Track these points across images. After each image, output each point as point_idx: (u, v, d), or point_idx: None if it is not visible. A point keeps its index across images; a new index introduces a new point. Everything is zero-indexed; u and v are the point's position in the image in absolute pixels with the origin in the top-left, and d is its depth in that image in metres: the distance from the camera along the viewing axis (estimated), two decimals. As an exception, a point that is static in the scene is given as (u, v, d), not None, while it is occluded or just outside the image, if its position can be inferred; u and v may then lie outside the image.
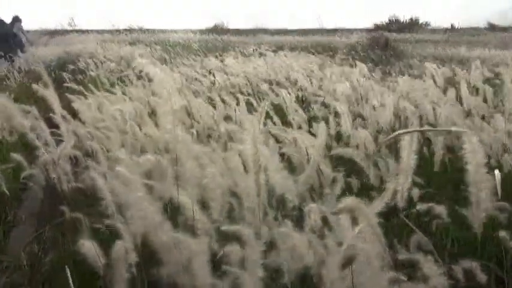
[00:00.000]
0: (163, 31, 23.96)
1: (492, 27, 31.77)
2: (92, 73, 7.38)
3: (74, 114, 3.21)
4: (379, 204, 1.01)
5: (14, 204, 3.07)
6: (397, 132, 0.99)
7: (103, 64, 8.42)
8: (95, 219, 2.20)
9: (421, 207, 1.68)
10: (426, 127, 2.58)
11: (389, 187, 1.12)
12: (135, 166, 1.02)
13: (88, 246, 1.24)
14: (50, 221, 2.45)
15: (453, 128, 1.10)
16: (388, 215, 1.37)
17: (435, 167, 2.90)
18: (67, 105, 3.15)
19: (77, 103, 2.90)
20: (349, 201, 0.88)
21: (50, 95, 2.55)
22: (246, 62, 8.12)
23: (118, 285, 0.99)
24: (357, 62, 5.72)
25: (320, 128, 2.19)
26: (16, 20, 10.11)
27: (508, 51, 13.46)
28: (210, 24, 33.08)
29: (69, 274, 1.55)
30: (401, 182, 1.11)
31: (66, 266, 1.55)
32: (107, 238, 1.61)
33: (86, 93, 3.94)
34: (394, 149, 2.96)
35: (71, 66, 8.43)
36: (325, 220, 1.16)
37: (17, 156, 2.32)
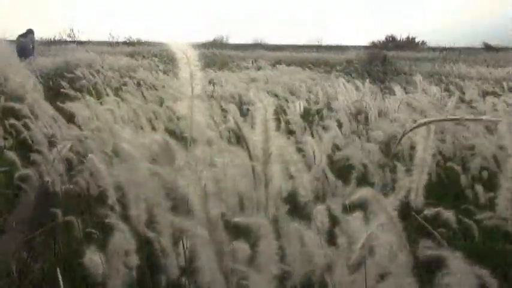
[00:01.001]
0: (162, 44, 23.95)
1: (487, 47, 32.20)
2: (90, 82, 7.33)
3: (70, 119, 3.17)
4: (394, 200, 0.95)
5: (5, 209, 2.98)
6: (424, 120, 0.93)
7: (101, 73, 8.39)
8: (88, 223, 2.13)
9: (428, 212, 1.62)
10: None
11: (403, 184, 1.05)
12: (140, 148, 0.94)
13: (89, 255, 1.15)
14: (42, 226, 2.37)
15: (484, 117, 1.04)
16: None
17: (432, 176, 2.86)
18: (61, 110, 3.09)
19: (69, 104, 2.84)
20: (364, 191, 0.81)
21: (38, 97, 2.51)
22: (244, 75, 8.15)
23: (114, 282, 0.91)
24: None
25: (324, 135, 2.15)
26: (29, 32, 11.55)
27: (502, 69, 13.64)
28: (209, 38, 33.43)
29: (60, 279, 1.47)
30: (416, 178, 1.04)
31: (57, 269, 1.46)
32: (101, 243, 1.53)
33: (82, 99, 3.89)
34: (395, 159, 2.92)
35: (70, 75, 8.39)
36: (334, 220, 1.09)
37: (12, 154, 2.25)
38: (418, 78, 6.18)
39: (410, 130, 0.95)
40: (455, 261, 0.72)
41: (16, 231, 2.80)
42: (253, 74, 8.48)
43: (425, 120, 0.94)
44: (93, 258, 1.15)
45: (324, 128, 3.11)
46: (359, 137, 3.14)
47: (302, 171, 1.00)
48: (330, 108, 4.59)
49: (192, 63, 0.98)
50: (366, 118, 3.81)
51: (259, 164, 0.97)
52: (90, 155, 1.24)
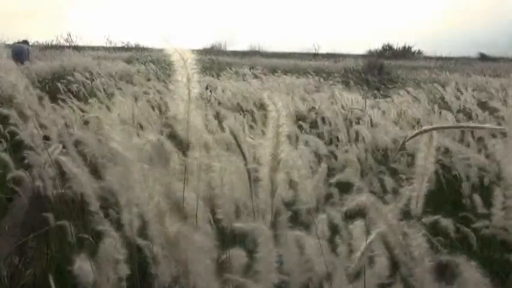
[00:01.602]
0: (159, 50, 24.01)
1: (483, 57, 32.45)
2: (86, 86, 7.32)
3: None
4: (395, 208, 0.92)
5: (-3, 214, 2.94)
6: (431, 127, 0.91)
7: (97, 79, 8.38)
8: (81, 229, 2.10)
9: (426, 219, 1.60)
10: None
11: (404, 192, 1.03)
12: (133, 149, 0.90)
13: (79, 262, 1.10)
14: (35, 230, 2.33)
15: (487, 125, 1.02)
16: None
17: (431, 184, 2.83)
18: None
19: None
20: (363, 198, 0.79)
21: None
22: (240, 82, 8.17)
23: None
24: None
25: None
26: (25, 42, 13.01)
27: (497, 78, 13.74)
28: (207, 45, 33.55)
29: (53, 285, 1.43)
30: (416, 187, 1.02)
31: (49, 276, 1.43)
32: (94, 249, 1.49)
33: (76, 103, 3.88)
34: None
35: (68, 78, 8.40)
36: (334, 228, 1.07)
37: (4, 155, 2.21)
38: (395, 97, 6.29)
39: (412, 137, 0.92)
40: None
41: (8, 235, 2.76)
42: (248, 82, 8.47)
43: (427, 127, 0.92)
44: (83, 266, 1.11)
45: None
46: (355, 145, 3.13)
47: (304, 178, 0.97)
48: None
49: (189, 66, 0.95)
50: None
51: (264, 171, 0.94)
52: (60, 157, 1.18)
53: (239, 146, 1.01)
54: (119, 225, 1.11)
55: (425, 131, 0.92)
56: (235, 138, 1.02)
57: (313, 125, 4.39)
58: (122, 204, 0.88)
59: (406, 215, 1.12)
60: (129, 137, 1.07)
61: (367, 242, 0.88)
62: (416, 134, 0.92)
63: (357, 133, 3.64)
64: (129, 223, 0.90)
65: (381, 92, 8.80)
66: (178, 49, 1.00)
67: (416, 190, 1.02)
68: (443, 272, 0.92)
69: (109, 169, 0.88)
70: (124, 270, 1.04)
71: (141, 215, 0.83)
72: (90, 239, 1.92)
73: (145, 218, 0.80)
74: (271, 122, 0.93)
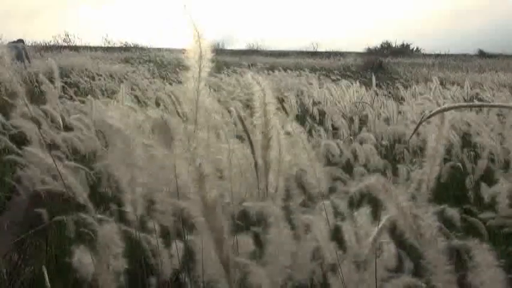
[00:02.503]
0: (158, 49, 24.03)
1: (482, 54, 32.44)
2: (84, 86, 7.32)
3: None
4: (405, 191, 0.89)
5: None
6: (442, 107, 0.87)
7: (95, 79, 8.37)
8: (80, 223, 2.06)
9: (432, 209, 1.56)
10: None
11: (415, 176, 1.00)
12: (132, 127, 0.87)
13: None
14: (33, 227, 2.30)
15: (498, 103, 0.99)
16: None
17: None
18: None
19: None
20: (373, 180, 0.75)
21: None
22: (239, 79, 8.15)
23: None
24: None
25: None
26: (20, 41, 13.30)
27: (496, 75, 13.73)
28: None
29: (47, 279, 1.39)
30: (427, 170, 0.99)
31: (44, 269, 1.39)
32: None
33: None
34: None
35: (73, 77, 8.41)
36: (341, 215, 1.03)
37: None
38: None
39: (430, 116, 0.88)
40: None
41: (8, 233, 2.73)
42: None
43: (443, 107, 0.88)
44: (82, 259, 1.06)
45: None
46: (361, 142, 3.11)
47: (314, 160, 0.93)
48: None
49: (202, 40, 0.91)
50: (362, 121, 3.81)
51: (258, 151, 0.90)
52: (26, 148, 1.11)
53: (245, 129, 0.97)
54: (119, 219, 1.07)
55: (444, 109, 0.88)
56: (241, 121, 0.98)
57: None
58: (123, 185, 0.84)
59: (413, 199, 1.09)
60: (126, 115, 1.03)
61: (379, 227, 0.84)
62: (434, 113, 0.88)
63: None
64: (132, 204, 0.86)
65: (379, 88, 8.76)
66: (194, 22, 0.95)
67: (427, 173, 0.98)
68: (451, 257, 0.89)
69: (110, 148, 0.84)
70: (122, 262, 1.00)
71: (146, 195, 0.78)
72: (91, 233, 1.89)
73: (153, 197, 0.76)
74: (258, 100, 0.89)
